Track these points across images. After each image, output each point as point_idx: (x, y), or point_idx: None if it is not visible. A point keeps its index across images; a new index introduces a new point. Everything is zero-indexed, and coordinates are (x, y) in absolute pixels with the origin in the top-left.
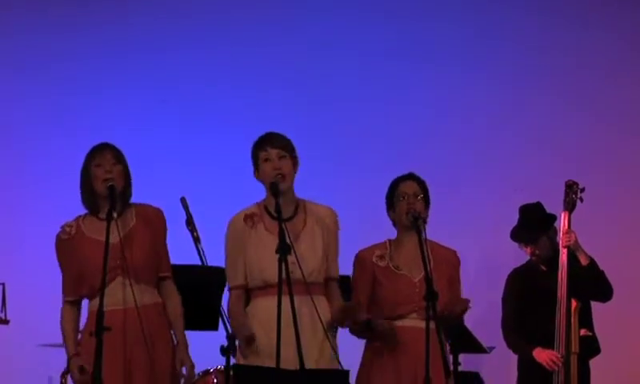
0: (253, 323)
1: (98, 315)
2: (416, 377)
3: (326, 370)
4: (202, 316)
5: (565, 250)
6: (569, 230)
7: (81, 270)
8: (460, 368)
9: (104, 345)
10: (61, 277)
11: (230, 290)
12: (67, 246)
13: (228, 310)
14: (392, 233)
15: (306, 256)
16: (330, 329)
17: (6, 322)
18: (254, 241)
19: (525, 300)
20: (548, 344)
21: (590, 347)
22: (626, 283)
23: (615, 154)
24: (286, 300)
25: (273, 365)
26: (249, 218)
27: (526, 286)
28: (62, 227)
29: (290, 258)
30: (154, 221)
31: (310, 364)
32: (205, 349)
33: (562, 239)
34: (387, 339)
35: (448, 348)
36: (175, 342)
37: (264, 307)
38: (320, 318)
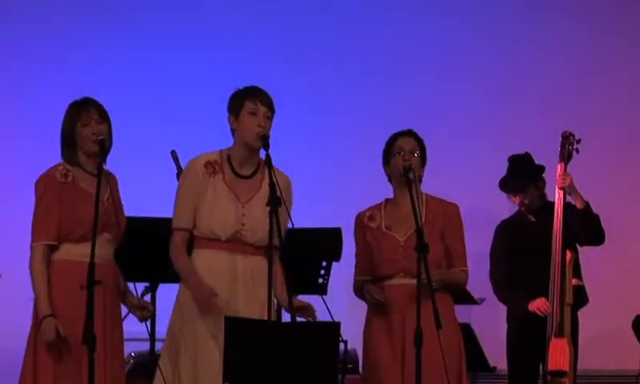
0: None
1: (90, 269)
2: (404, 332)
3: (317, 322)
4: None
5: (560, 193)
6: (564, 173)
7: (73, 219)
8: None
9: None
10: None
11: (174, 230)
12: (61, 188)
13: (172, 253)
14: (387, 191)
15: (258, 219)
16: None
17: None
18: (211, 191)
19: (514, 252)
20: (537, 295)
21: (580, 297)
22: (616, 233)
23: (610, 105)
24: (236, 258)
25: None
26: (210, 165)
27: (514, 237)
28: (57, 169)
29: (242, 220)
30: (117, 186)
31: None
32: None
33: (557, 181)
34: (376, 306)
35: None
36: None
37: (207, 259)
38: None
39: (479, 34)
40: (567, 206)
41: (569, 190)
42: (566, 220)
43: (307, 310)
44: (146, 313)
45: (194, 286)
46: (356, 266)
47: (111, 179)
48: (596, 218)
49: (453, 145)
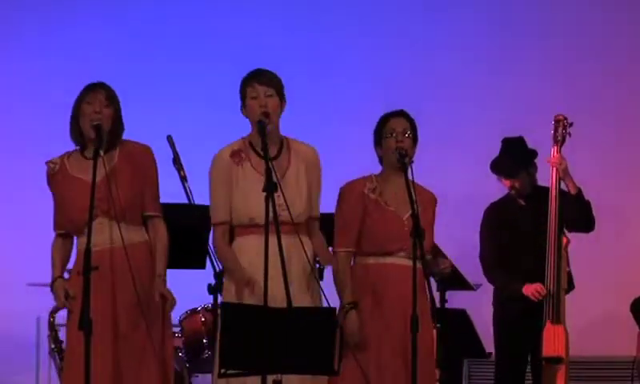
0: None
1: (86, 254)
2: (404, 315)
3: (312, 308)
4: (190, 254)
5: (554, 171)
6: (560, 156)
7: (63, 206)
8: (446, 305)
9: (92, 284)
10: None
11: (214, 226)
12: (52, 181)
13: (215, 248)
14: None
15: (293, 197)
16: (314, 267)
17: None
18: (241, 178)
19: (502, 235)
20: (527, 279)
21: (568, 283)
22: (607, 217)
23: (601, 90)
24: (272, 240)
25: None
26: (235, 154)
27: (503, 220)
28: (47, 163)
29: (278, 200)
30: (139, 158)
31: (298, 302)
32: (192, 287)
33: (552, 160)
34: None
35: (435, 285)
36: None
37: (249, 246)
38: (308, 258)
39: (476, 13)
40: (561, 193)
41: (563, 174)
42: (559, 204)
43: None
44: (168, 305)
45: (235, 276)
46: (340, 235)
47: (134, 151)
48: (587, 204)
49: (445, 127)
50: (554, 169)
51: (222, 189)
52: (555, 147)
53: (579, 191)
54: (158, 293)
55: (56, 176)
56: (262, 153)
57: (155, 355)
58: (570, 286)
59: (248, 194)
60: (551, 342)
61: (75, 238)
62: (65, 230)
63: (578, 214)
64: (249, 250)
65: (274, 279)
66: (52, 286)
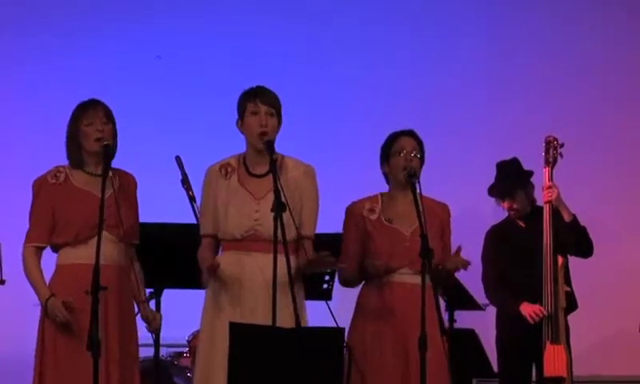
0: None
1: (95, 272)
2: (407, 335)
3: (322, 328)
4: (198, 274)
5: (548, 206)
6: (551, 185)
7: (66, 218)
8: (455, 325)
9: (83, 302)
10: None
11: (201, 238)
12: (53, 191)
13: (198, 257)
14: (381, 188)
15: (270, 215)
16: (297, 280)
17: (1, 282)
18: (225, 192)
19: (504, 257)
20: (529, 299)
21: (569, 303)
22: (601, 238)
23: (591, 109)
24: (255, 257)
25: (233, 319)
26: (224, 167)
27: (504, 242)
28: (50, 171)
29: (255, 216)
30: (132, 187)
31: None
32: (199, 307)
33: (544, 194)
34: (381, 275)
35: (443, 305)
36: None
37: (227, 261)
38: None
39: (473, 34)
40: (556, 215)
41: (556, 202)
42: (556, 228)
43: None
44: (154, 325)
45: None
46: (344, 256)
47: (125, 179)
48: (583, 230)
49: (447, 148)
50: (545, 194)
51: (208, 202)
52: (547, 169)
53: (574, 218)
54: (150, 315)
55: (60, 187)
56: (251, 170)
57: (138, 372)
58: (573, 306)
59: (228, 209)
60: (552, 363)
61: (52, 251)
62: (47, 244)
63: (575, 240)
64: (227, 265)
65: (254, 297)
66: (46, 304)
